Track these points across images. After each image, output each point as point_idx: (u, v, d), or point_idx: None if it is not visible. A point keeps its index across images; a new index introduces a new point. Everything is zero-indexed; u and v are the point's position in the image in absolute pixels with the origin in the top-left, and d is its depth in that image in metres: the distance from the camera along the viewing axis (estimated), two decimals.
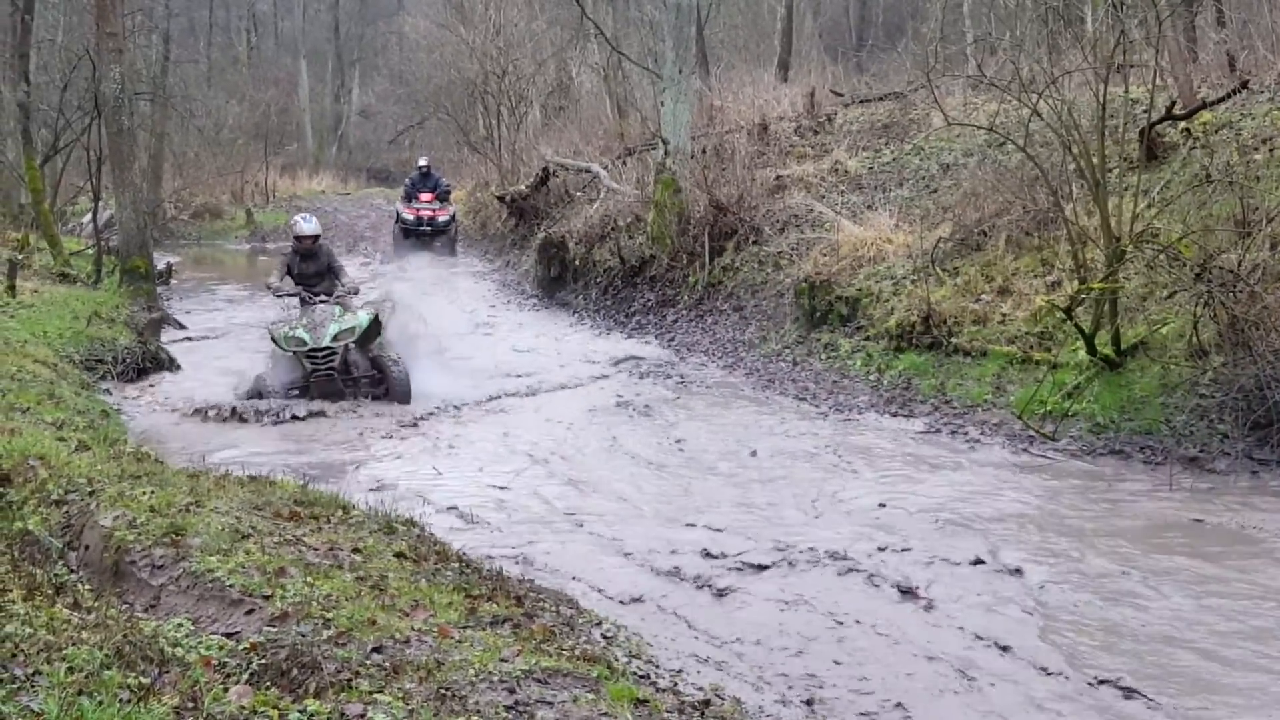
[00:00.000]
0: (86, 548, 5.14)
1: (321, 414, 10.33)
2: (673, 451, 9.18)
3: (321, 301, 11.14)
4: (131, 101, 17.34)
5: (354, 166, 45.69)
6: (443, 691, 3.50)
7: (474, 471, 8.62)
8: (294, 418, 10.13)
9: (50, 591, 4.22)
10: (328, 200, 34.64)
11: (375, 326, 11.20)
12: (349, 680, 3.53)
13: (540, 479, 8.41)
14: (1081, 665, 5.07)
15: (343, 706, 3.33)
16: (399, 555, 5.21)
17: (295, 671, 3.60)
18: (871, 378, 11.19)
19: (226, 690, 3.34)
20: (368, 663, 3.68)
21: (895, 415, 10.17)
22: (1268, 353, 7.99)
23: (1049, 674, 5.02)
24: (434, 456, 9.04)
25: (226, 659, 3.69)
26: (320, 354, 10.82)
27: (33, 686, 3.10)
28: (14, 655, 3.28)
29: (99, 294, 15.67)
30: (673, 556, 6.57)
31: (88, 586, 4.61)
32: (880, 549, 6.64)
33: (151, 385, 11.75)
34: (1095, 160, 9.62)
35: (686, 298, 15.11)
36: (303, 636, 3.86)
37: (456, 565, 5.37)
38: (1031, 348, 10.02)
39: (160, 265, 19.23)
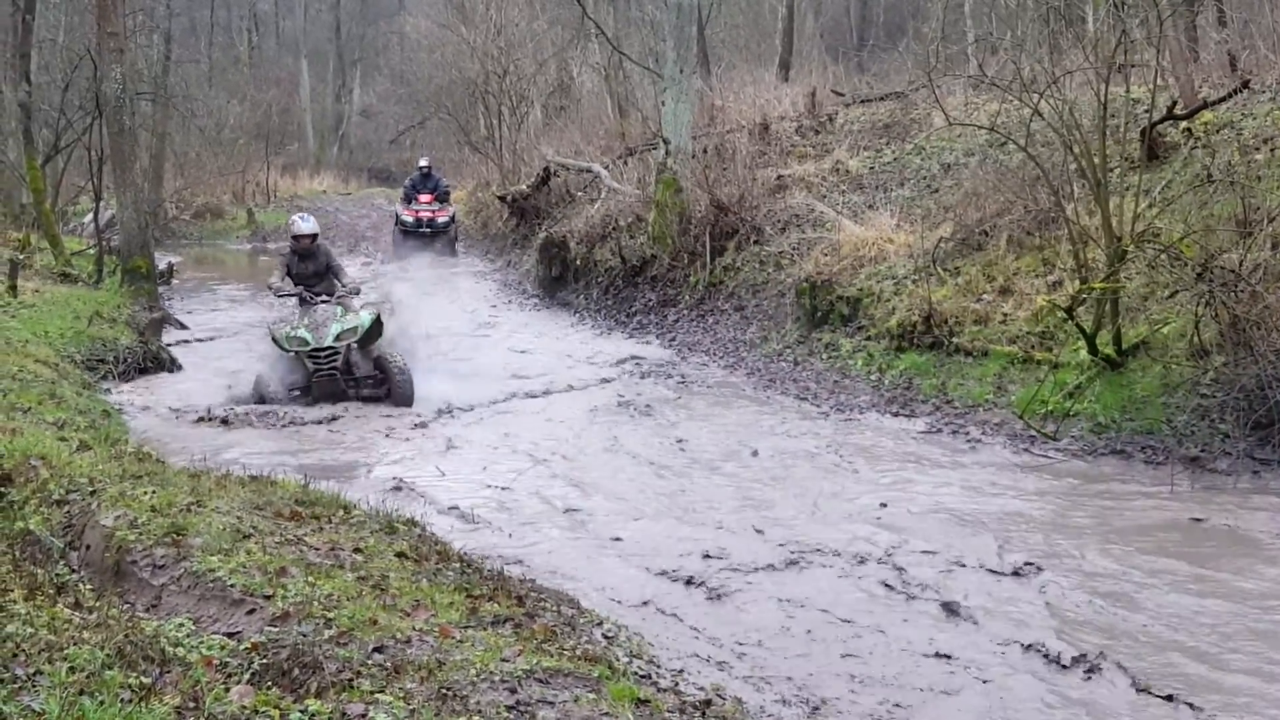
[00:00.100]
0: (88, 547, 5.14)
1: (331, 418, 10.28)
2: (674, 451, 9.18)
3: (323, 301, 11.11)
4: (133, 101, 17.34)
5: (355, 166, 45.74)
6: (444, 691, 3.50)
7: (475, 471, 8.62)
8: (292, 423, 10.11)
9: (51, 591, 4.23)
10: (329, 200, 34.66)
11: (377, 327, 11.17)
12: (350, 680, 3.53)
13: (541, 479, 8.41)
14: (1078, 663, 5.07)
15: (344, 706, 3.33)
16: (400, 555, 5.21)
17: (296, 671, 3.60)
18: (873, 377, 11.19)
19: (228, 690, 3.34)
20: (369, 662, 3.68)
21: (896, 415, 10.17)
22: (1269, 352, 7.98)
23: (1047, 674, 5.02)
24: (436, 457, 9.04)
25: (228, 659, 3.69)
26: (323, 354, 10.80)
27: (34, 686, 3.10)
28: (15, 655, 3.29)
29: (100, 294, 15.67)
30: (674, 556, 6.57)
31: (89, 586, 4.61)
32: (881, 549, 6.64)
33: (147, 387, 11.75)
34: (1096, 160, 9.62)
35: (688, 297, 15.11)
36: (304, 636, 3.86)
37: (458, 565, 5.37)
38: (1033, 347, 10.02)
39: (161, 265, 19.24)
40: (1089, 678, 4.97)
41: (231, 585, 4.37)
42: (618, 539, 6.95)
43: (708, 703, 4.35)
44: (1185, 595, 5.88)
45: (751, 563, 6.42)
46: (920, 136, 16.53)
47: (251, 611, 4.19)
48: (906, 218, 13.45)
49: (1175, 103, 11.85)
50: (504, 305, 18.39)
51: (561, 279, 18.06)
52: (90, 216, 21.12)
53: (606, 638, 5.05)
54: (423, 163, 24.80)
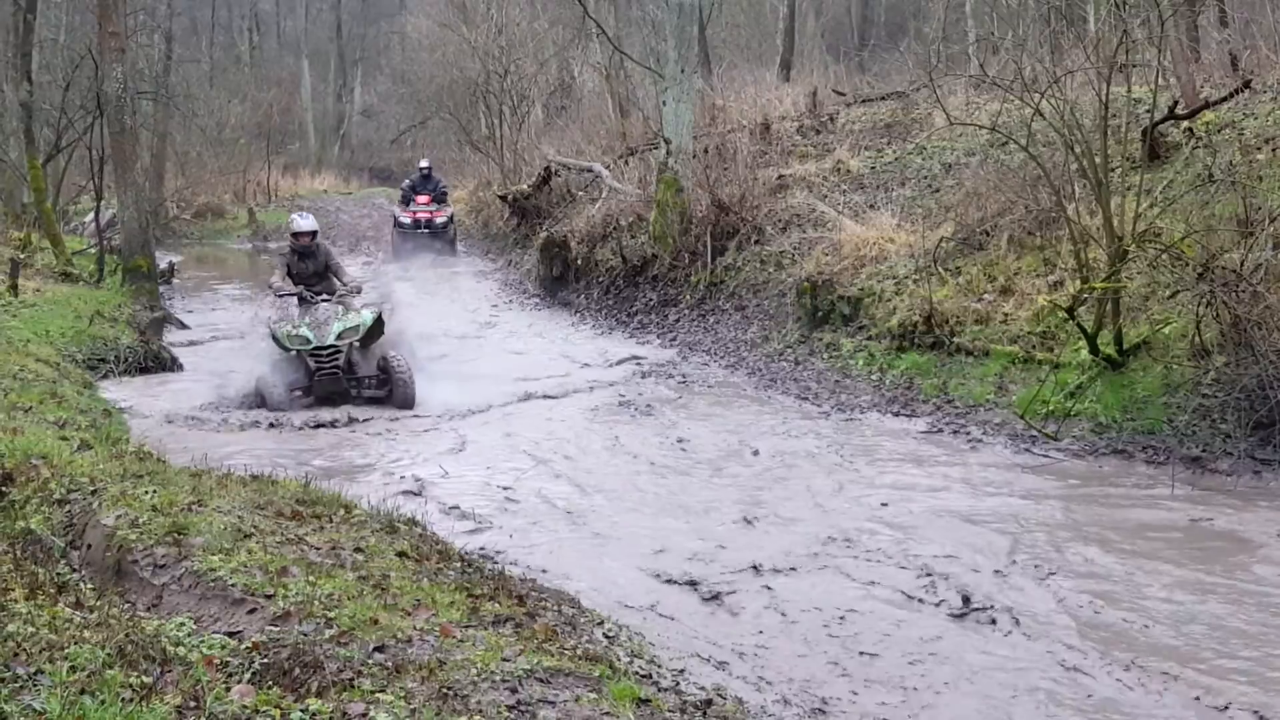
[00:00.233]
0: (89, 547, 5.14)
1: (332, 419, 10.25)
2: (675, 451, 9.17)
3: (323, 300, 11.09)
4: (134, 101, 17.37)
5: (356, 166, 45.76)
6: (445, 691, 3.50)
7: (477, 471, 8.62)
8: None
9: (52, 591, 4.22)
10: (330, 200, 34.66)
11: (378, 326, 11.12)
12: (351, 679, 3.53)
13: (542, 478, 8.41)
14: (1079, 663, 5.07)
15: (345, 706, 3.33)
16: (401, 554, 5.20)
17: (297, 671, 3.60)
18: (874, 377, 11.18)
19: (229, 689, 3.34)
20: (370, 662, 3.68)
21: (897, 415, 10.16)
22: (1270, 353, 7.97)
23: (1048, 674, 5.02)
24: (437, 456, 9.03)
25: (229, 658, 3.69)
26: (324, 353, 10.78)
27: (35, 685, 3.10)
28: (16, 654, 3.29)
29: (101, 293, 15.69)
30: (674, 556, 6.57)
31: (90, 586, 4.61)
32: (883, 549, 6.64)
33: (157, 385, 11.75)
34: (1098, 160, 9.62)
35: (688, 297, 15.11)
36: (305, 636, 3.86)
37: (459, 564, 5.37)
38: (1034, 347, 10.01)
39: (162, 264, 19.26)
40: (1089, 677, 4.97)
41: (232, 584, 4.37)
42: (619, 539, 6.95)
43: (709, 702, 4.35)
44: (1186, 596, 5.87)
45: (752, 563, 6.42)
46: (921, 136, 16.52)
47: (252, 611, 4.19)
48: (907, 217, 13.44)
49: (1177, 103, 11.84)
50: (505, 305, 18.39)
51: (562, 279, 18.06)
52: (91, 216, 21.13)
53: (607, 637, 5.05)
54: (423, 164, 24.81)
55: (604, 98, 24.53)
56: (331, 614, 4.08)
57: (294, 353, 10.84)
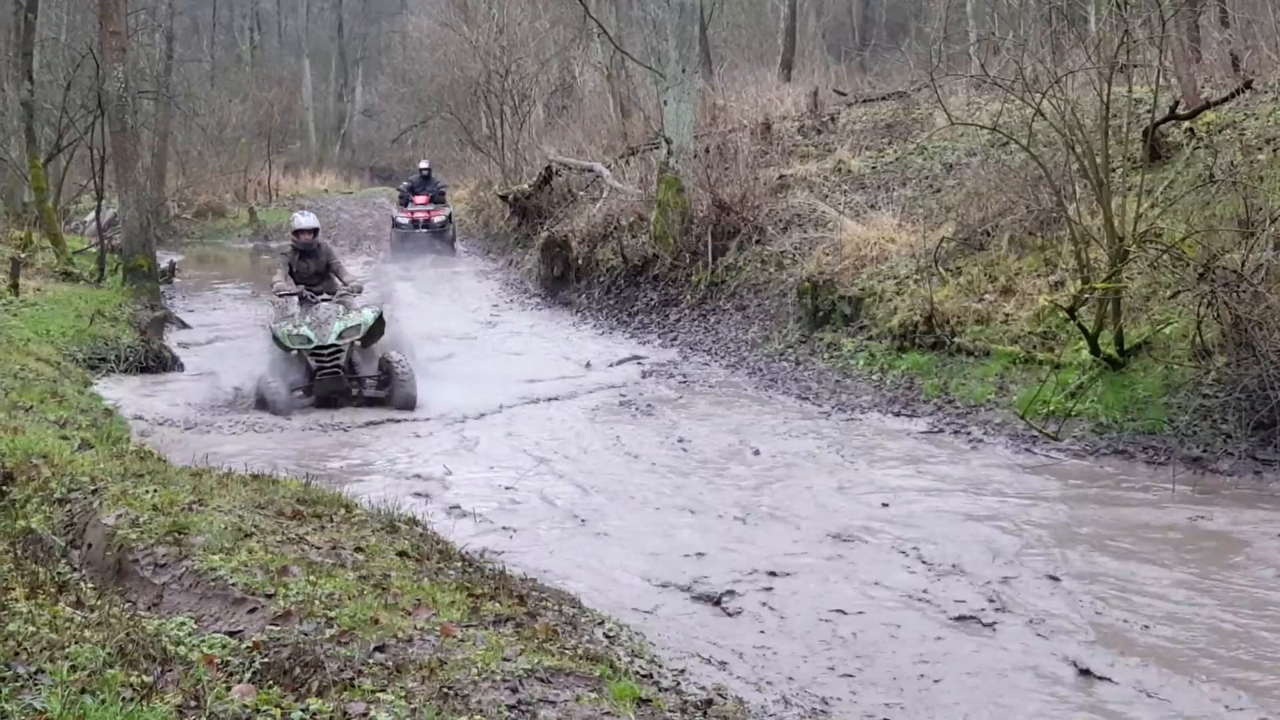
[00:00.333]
0: (89, 546, 5.14)
1: (333, 419, 10.24)
2: (675, 451, 9.17)
3: (324, 300, 11.07)
4: (135, 100, 17.37)
5: (357, 165, 45.77)
6: (445, 690, 3.50)
7: (478, 471, 8.62)
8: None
9: (53, 590, 4.23)
10: (331, 199, 34.67)
11: (379, 325, 11.08)
12: (352, 679, 3.53)
13: (543, 478, 8.41)
14: (1078, 663, 5.07)
15: (345, 705, 3.33)
16: (402, 554, 5.20)
17: (298, 670, 3.60)
18: (874, 377, 11.18)
19: (229, 689, 3.34)
20: (370, 661, 3.68)
21: (898, 415, 10.16)
22: (1271, 353, 7.97)
23: (1048, 674, 5.02)
24: (438, 456, 9.04)
25: (229, 657, 3.69)
26: (325, 352, 10.76)
27: (35, 685, 3.10)
28: (17, 653, 3.29)
29: (102, 292, 15.69)
30: (675, 556, 6.57)
31: (90, 585, 4.61)
32: (883, 549, 6.64)
33: (153, 385, 11.75)
34: (1099, 160, 9.61)
35: (689, 297, 15.11)
36: (305, 635, 3.86)
37: (459, 564, 5.37)
38: (1035, 347, 10.01)
39: (163, 264, 19.26)
40: (1090, 678, 4.97)
41: (233, 584, 4.37)
42: (619, 539, 6.95)
43: (709, 702, 4.35)
44: (1187, 596, 5.87)
45: (752, 562, 6.42)
46: (922, 136, 16.52)
47: (253, 610, 4.19)
48: (908, 217, 13.44)
49: (1178, 103, 11.84)
50: (506, 305, 18.39)
51: (563, 278, 18.06)
52: (92, 215, 21.14)
53: (608, 637, 5.06)
54: (423, 165, 24.87)
55: (605, 97, 24.53)
56: (332, 613, 4.08)
57: (294, 352, 10.82)
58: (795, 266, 13.62)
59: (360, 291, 11.62)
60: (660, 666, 4.85)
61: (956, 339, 10.72)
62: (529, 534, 7.03)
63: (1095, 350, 9.19)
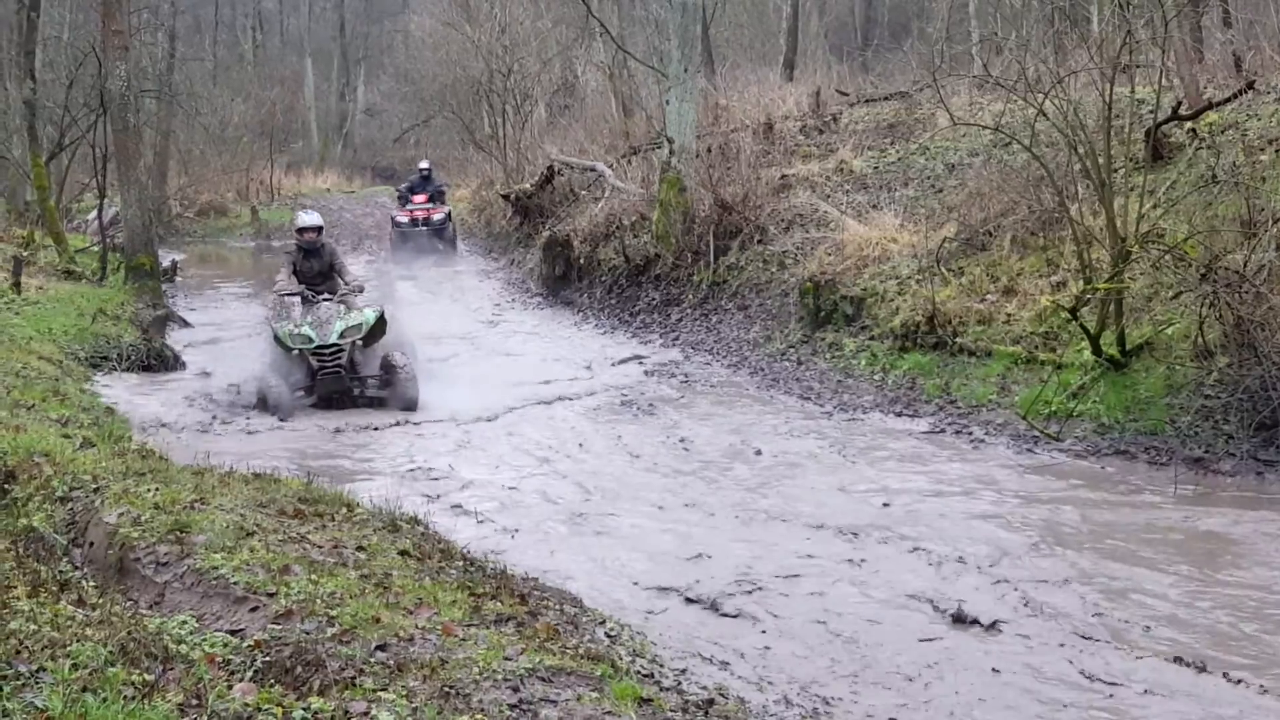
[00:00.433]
0: (91, 544, 5.14)
1: (334, 420, 10.23)
2: (677, 451, 9.17)
3: (325, 299, 11.06)
4: (137, 99, 17.37)
5: (359, 165, 45.77)
6: (446, 689, 3.50)
7: (479, 470, 8.62)
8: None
9: (55, 588, 4.23)
10: (332, 198, 34.68)
11: (381, 324, 11.07)
12: (353, 678, 3.53)
13: (545, 478, 8.41)
14: (1079, 662, 5.07)
15: (347, 704, 3.33)
16: (403, 553, 5.21)
17: (299, 669, 3.60)
18: (876, 377, 11.17)
19: (230, 687, 3.35)
20: (372, 660, 3.68)
21: (900, 415, 10.16)
22: (1273, 354, 7.97)
23: (1049, 674, 5.02)
24: (440, 456, 9.04)
25: (230, 656, 3.69)
26: (327, 351, 10.75)
27: (37, 683, 3.10)
28: (18, 652, 3.29)
29: (104, 291, 15.70)
30: (676, 556, 6.57)
31: (92, 583, 4.61)
32: (883, 549, 6.64)
33: (152, 384, 11.76)
34: (1101, 160, 9.61)
35: (691, 297, 15.10)
36: (307, 634, 3.86)
37: (461, 563, 5.38)
38: (1036, 348, 10.01)
39: (165, 262, 19.26)
40: (1090, 678, 4.97)
41: (234, 583, 4.37)
42: (621, 539, 6.95)
43: (710, 702, 4.35)
44: (1188, 597, 5.87)
45: (753, 562, 6.42)
46: (925, 136, 16.52)
47: (254, 609, 4.19)
48: (910, 217, 13.43)
49: (1180, 103, 11.83)
50: (508, 304, 18.39)
51: (565, 278, 18.06)
52: (94, 214, 21.16)
53: (609, 636, 5.06)
54: (423, 165, 24.91)
55: (607, 97, 24.53)
56: (333, 612, 4.08)
57: (296, 352, 10.80)
58: (797, 266, 13.61)
59: (362, 291, 11.59)
60: (662, 666, 4.85)
61: (958, 339, 10.72)
62: (530, 533, 7.03)
63: (1097, 351, 9.18)
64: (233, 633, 4.00)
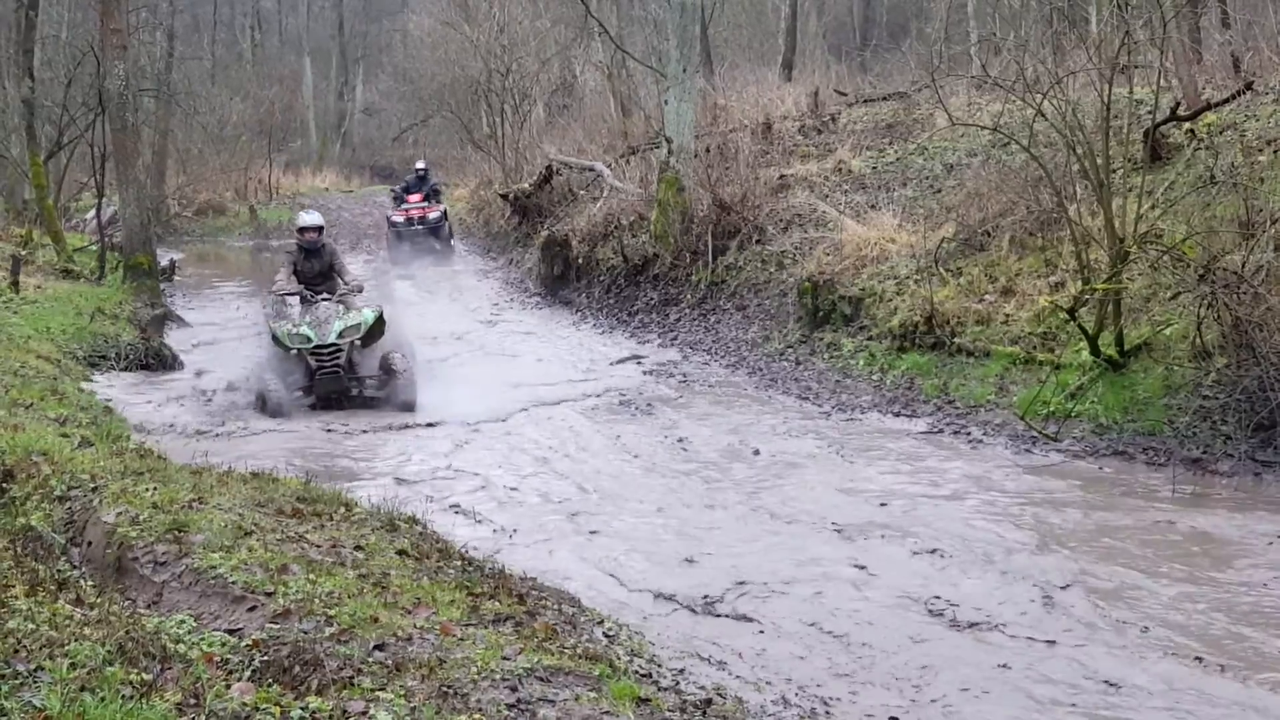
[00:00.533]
0: (89, 544, 5.14)
1: (334, 420, 10.22)
2: (675, 451, 9.18)
3: (324, 299, 11.05)
4: (136, 98, 17.37)
5: (358, 164, 45.76)
6: (445, 689, 3.50)
7: (477, 469, 8.62)
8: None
9: (53, 588, 4.23)
10: (331, 198, 34.67)
11: (379, 324, 11.05)
12: (351, 678, 3.53)
13: (543, 477, 8.41)
14: (1078, 662, 5.07)
15: (345, 704, 3.33)
16: (401, 553, 5.21)
17: (297, 668, 3.60)
18: (874, 377, 11.18)
19: (229, 687, 3.34)
20: (370, 660, 3.68)
21: (898, 415, 10.16)
22: (1271, 354, 7.97)
23: (1049, 674, 5.02)
24: (438, 456, 9.04)
25: (229, 656, 3.69)
26: (325, 351, 10.73)
27: (35, 682, 3.10)
28: (16, 651, 3.29)
29: (102, 290, 15.69)
30: (675, 555, 6.58)
31: (90, 583, 4.61)
32: (882, 549, 6.64)
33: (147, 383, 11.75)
34: (1099, 161, 9.61)
35: (689, 297, 15.11)
36: (305, 634, 3.86)
37: (459, 563, 5.38)
38: (1035, 348, 10.01)
39: (164, 262, 19.26)
40: (1089, 678, 4.97)
41: (233, 582, 4.37)
42: (619, 538, 6.95)
43: (708, 702, 4.35)
44: (1186, 597, 5.87)
45: (752, 562, 6.42)
46: (923, 136, 16.52)
47: (253, 608, 4.19)
48: (909, 218, 13.44)
49: (1178, 104, 11.84)
50: (506, 304, 18.39)
51: (563, 277, 18.06)
52: (93, 213, 21.16)
53: (607, 636, 5.06)
54: (419, 165, 24.93)
55: (606, 97, 24.53)
56: (332, 612, 4.08)
57: (294, 352, 10.79)
58: (795, 266, 13.61)
59: (361, 291, 11.57)
60: (659, 666, 4.85)
61: (956, 339, 10.72)
62: (529, 533, 7.03)
63: (1095, 351, 9.19)
64: (231, 632, 3.99)
